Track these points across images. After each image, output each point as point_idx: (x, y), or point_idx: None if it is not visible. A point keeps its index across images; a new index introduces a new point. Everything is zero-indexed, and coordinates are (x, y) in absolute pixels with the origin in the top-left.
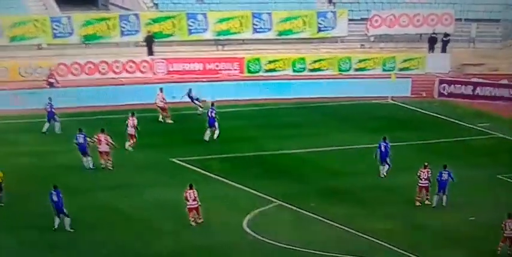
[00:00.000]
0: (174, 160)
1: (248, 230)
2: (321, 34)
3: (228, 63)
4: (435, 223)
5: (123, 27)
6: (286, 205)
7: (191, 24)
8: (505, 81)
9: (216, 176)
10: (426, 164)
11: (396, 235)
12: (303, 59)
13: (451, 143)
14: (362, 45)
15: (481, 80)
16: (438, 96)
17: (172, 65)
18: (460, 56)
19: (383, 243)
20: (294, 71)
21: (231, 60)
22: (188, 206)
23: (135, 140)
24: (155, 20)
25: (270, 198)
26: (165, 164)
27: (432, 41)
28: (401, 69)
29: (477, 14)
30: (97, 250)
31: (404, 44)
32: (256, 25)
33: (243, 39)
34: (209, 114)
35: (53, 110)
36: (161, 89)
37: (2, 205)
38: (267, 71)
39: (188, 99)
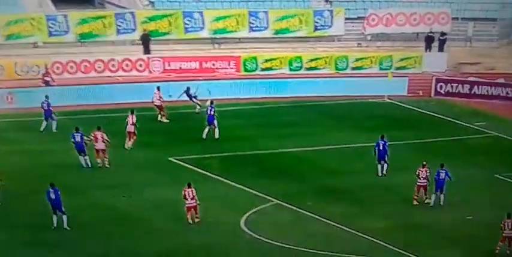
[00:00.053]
0: (171, 158)
1: (245, 229)
2: (318, 33)
3: (225, 62)
4: (432, 222)
5: (119, 26)
6: (284, 203)
7: (187, 22)
8: (501, 80)
9: (214, 175)
10: (425, 163)
11: (393, 234)
12: (299, 57)
13: (447, 142)
14: (359, 44)
15: (477, 79)
16: (435, 95)
17: (168, 64)
18: (456, 55)
19: (380, 242)
20: (291, 69)
21: (228, 59)
22: (186, 205)
23: (135, 137)
24: (151, 19)
25: (267, 197)
26: (162, 163)
27: (429, 40)
28: (398, 68)
29: (474, 13)
30: (95, 249)
31: (401, 43)
32: (252, 24)
33: (240, 38)
34: (208, 112)
35: (50, 108)
36: (158, 88)
37: (0, 204)
38: (263, 69)
39: (186, 98)
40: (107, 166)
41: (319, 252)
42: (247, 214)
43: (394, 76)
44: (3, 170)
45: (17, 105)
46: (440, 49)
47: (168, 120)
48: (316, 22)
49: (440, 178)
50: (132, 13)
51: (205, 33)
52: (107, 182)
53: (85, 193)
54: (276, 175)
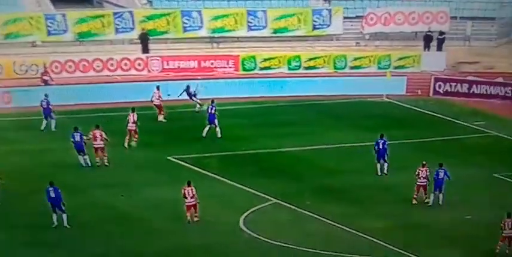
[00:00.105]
0: (170, 158)
1: (244, 228)
2: (316, 32)
3: (223, 61)
4: (431, 221)
5: (118, 25)
6: (282, 203)
7: (186, 21)
8: (500, 80)
9: (212, 175)
10: (424, 162)
11: (392, 233)
12: (298, 56)
13: (446, 142)
14: (357, 43)
15: (476, 78)
16: (433, 94)
17: (167, 63)
18: (455, 54)
19: (379, 242)
20: (289, 68)
21: (226, 58)
22: (186, 204)
23: (137, 136)
24: (149, 18)
25: (266, 196)
26: (161, 163)
27: (427, 39)
28: (396, 68)
29: (472, 12)
30: (95, 249)
31: (400, 42)
32: (251, 23)
33: (238, 37)
34: (209, 111)
35: (50, 106)
36: (158, 87)
37: None
38: (262, 68)
39: (187, 97)
40: (106, 164)
41: (318, 252)
42: (246, 214)
43: (392, 75)
44: (2, 170)
45: (15, 104)
46: (439, 48)
47: (165, 120)
48: (315, 21)
49: (439, 177)
50: (130, 12)
51: (203, 32)
52: (106, 181)
53: (85, 192)
54: (274, 174)
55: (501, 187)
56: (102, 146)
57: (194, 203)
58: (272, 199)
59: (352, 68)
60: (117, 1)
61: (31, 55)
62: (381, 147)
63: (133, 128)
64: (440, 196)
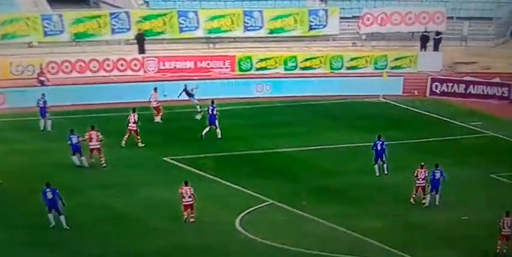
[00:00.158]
0: (167, 158)
1: (240, 229)
2: (313, 32)
3: (220, 61)
4: (428, 222)
5: (114, 25)
6: (279, 204)
7: (182, 22)
8: (497, 80)
9: (209, 175)
10: (423, 164)
11: (388, 234)
12: (294, 57)
13: (443, 142)
14: (354, 43)
15: (473, 79)
16: (430, 94)
17: (163, 63)
18: (452, 54)
19: (375, 242)
20: (286, 69)
21: (222, 59)
22: (184, 203)
23: (138, 137)
24: (146, 18)
25: (262, 197)
26: (157, 163)
27: (424, 39)
28: (393, 68)
29: (469, 12)
30: (92, 249)
31: (396, 42)
32: (247, 23)
33: (234, 37)
34: (209, 112)
35: (46, 105)
36: (155, 89)
37: None
38: (258, 69)
39: (186, 97)
40: (103, 165)
41: (314, 252)
42: (243, 214)
43: (389, 76)
44: (0, 170)
45: (11, 105)
46: (436, 48)
47: (161, 121)
48: (311, 21)
49: (436, 178)
50: (126, 13)
51: (200, 33)
52: (103, 182)
53: (82, 193)
54: (271, 175)
55: (498, 187)
56: (98, 146)
57: (191, 202)
58: (268, 199)
59: (348, 68)
60: (114, 1)
61: (27, 56)
62: (379, 148)
63: (134, 128)
64: (437, 196)
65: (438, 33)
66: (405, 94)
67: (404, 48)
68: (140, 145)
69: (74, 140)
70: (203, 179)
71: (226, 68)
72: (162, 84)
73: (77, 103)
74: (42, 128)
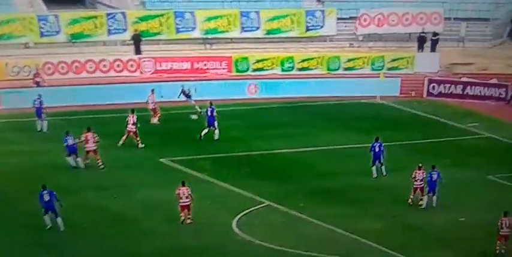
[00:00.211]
0: (163, 160)
1: (237, 230)
2: (310, 33)
3: (216, 62)
4: (425, 223)
5: (110, 26)
6: (276, 205)
7: (179, 22)
8: (494, 81)
9: (205, 177)
10: (421, 165)
11: (386, 235)
12: (291, 58)
13: (440, 143)
14: (351, 44)
15: (470, 80)
16: (427, 95)
17: (160, 64)
18: (449, 55)
19: (373, 244)
20: (283, 70)
21: (219, 59)
22: (181, 204)
23: (138, 138)
24: (142, 19)
25: (259, 198)
26: (154, 165)
27: (421, 40)
28: (390, 69)
29: (466, 13)
30: (89, 250)
31: (393, 43)
32: (244, 24)
33: (231, 38)
34: (208, 113)
35: (42, 106)
36: (152, 91)
37: None
38: (255, 70)
39: (185, 98)
40: (101, 167)
41: (312, 254)
42: (240, 216)
43: (386, 77)
44: None
45: (7, 106)
46: (433, 49)
47: (158, 122)
48: (308, 22)
49: (433, 179)
50: (123, 13)
51: (196, 34)
52: (100, 183)
53: (79, 194)
54: (268, 176)
55: (495, 188)
56: (95, 148)
57: (189, 203)
58: (265, 201)
59: (345, 69)
60: (110, 2)
61: (24, 57)
62: (377, 150)
63: (133, 129)
64: (434, 198)
65: (435, 34)
66: (402, 95)
67: (401, 49)
68: (140, 145)
69: (70, 141)
70: (200, 181)
71: (223, 69)
72: (159, 85)
73: (73, 104)
74: (39, 129)
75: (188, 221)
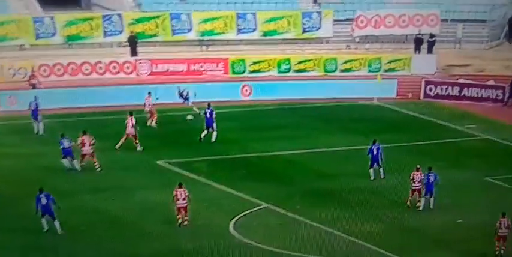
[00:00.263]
0: (160, 162)
1: (234, 232)
2: (306, 35)
3: (213, 64)
4: (423, 225)
5: (106, 28)
6: (273, 207)
7: (175, 24)
8: (491, 82)
9: (202, 179)
10: (419, 166)
11: (384, 237)
12: (288, 59)
13: (437, 145)
14: (347, 46)
15: (467, 81)
16: (424, 97)
17: (156, 66)
18: (446, 57)
19: (370, 246)
20: (279, 72)
21: (216, 61)
22: (178, 205)
23: (137, 141)
24: (138, 20)
25: (256, 200)
26: (151, 167)
27: (418, 41)
28: (387, 71)
29: (463, 15)
30: (86, 253)
31: (390, 45)
32: (240, 25)
33: (228, 40)
34: (207, 115)
35: (38, 109)
36: (149, 93)
37: None
38: (251, 71)
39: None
40: (98, 169)
41: (309, 256)
42: (237, 218)
43: (383, 78)
44: None
45: (3, 108)
46: (430, 51)
47: (156, 125)
48: (305, 24)
49: (430, 181)
50: (119, 15)
51: (192, 35)
52: (97, 185)
53: (76, 196)
54: (265, 178)
55: (493, 190)
56: (91, 152)
57: (186, 205)
58: (263, 203)
59: (342, 71)
60: (106, 4)
61: (19, 58)
62: (375, 153)
63: (133, 132)
64: (432, 199)
65: (432, 35)
66: (399, 97)
67: (398, 50)
68: (139, 148)
69: (66, 144)
70: (197, 183)
71: (220, 70)
72: (155, 87)
73: (69, 106)
74: (36, 131)
75: (185, 223)
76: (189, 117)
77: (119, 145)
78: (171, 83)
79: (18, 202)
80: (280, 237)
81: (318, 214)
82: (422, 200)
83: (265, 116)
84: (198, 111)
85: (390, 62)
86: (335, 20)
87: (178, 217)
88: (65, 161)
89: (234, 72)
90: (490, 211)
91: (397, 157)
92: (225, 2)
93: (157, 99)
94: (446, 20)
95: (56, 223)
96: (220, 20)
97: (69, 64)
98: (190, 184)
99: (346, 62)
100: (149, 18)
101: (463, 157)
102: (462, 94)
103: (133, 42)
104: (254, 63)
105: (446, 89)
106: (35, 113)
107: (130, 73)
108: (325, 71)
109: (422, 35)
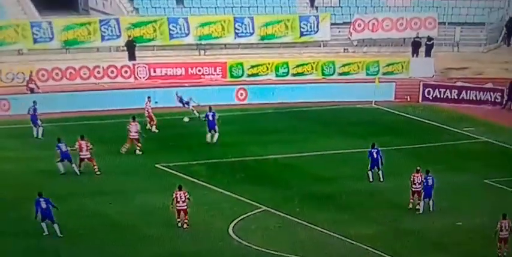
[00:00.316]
0: (159, 165)
1: (234, 235)
2: (304, 38)
3: (211, 68)
4: (422, 228)
5: (104, 32)
6: (272, 210)
7: (172, 28)
8: (490, 85)
9: (201, 182)
10: (419, 168)
11: (382, 240)
12: (285, 63)
13: (436, 148)
14: (345, 49)
15: (465, 84)
16: (422, 100)
17: (154, 70)
18: (444, 60)
19: (369, 248)
20: (277, 75)
21: (214, 65)
22: (178, 208)
23: (140, 144)
24: (136, 25)
25: (255, 203)
26: (150, 170)
27: (416, 45)
28: (385, 74)
29: (460, 18)
30: (85, 256)
31: (388, 48)
32: (238, 29)
33: (225, 44)
34: (210, 118)
35: (36, 113)
36: (149, 98)
37: None
38: (249, 75)
39: (186, 105)
40: (97, 173)
41: None
42: (236, 221)
43: (381, 81)
44: None
45: (1, 112)
46: (428, 54)
47: (157, 130)
48: (302, 28)
49: (428, 184)
50: (116, 19)
51: (190, 40)
52: (96, 189)
53: (75, 200)
54: (263, 181)
55: (492, 192)
56: (89, 156)
57: (185, 207)
58: (261, 206)
59: (340, 74)
60: (103, 8)
61: (18, 63)
62: (375, 156)
63: (136, 136)
64: (431, 202)
65: (430, 38)
66: (397, 100)
67: (396, 54)
68: (138, 152)
69: (63, 148)
70: (196, 186)
71: (218, 74)
72: (153, 91)
73: (68, 110)
74: (35, 135)
75: (185, 226)
76: (186, 119)
77: (124, 150)
78: (169, 87)
79: (20, 205)
80: (279, 240)
81: (317, 217)
82: (422, 203)
83: (263, 120)
84: (197, 114)
85: (388, 65)
86: (332, 24)
87: (177, 219)
88: (60, 165)
89: (232, 76)
90: (489, 214)
91: (395, 160)
92: (222, 6)
93: (156, 103)
94: (444, 23)
95: (56, 226)
96: (217, 24)
97: (67, 69)
98: (189, 187)
99: (344, 65)
100: (146, 23)
101: (462, 159)
102: (460, 97)
103: (131, 47)
104: (252, 67)
105: (445, 92)
106: (34, 118)
107: (129, 77)
108: (323, 74)
109: (420, 38)
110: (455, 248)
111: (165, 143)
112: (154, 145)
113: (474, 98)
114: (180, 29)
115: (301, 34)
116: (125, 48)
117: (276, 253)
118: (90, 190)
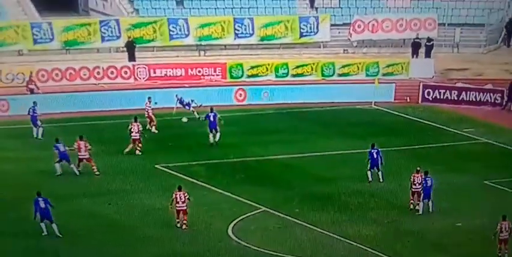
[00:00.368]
0: (158, 166)
1: (233, 236)
2: (304, 39)
3: (210, 69)
4: (421, 229)
5: (104, 33)
6: (271, 211)
7: (172, 29)
8: (489, 86)
9: (201, 183)
10: (419, 169)
11: (382, 241)
12: (285, 64)
13: (436, 149)
14: (345, 50)
15: (465, 85)
16: (422, 101)
17: (154, 71)
18: (444, 61)
19: (369, 249)
20: (277, 76)
21: (213, 66)
22: (177, 208)
23: (140, 145)
24: (136, 26)
25: (254, 204)
26: (150, 171)
27: (415, 46)
28: (384, 75)
29: (460, 19)
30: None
31: (388, 49)
32: (238, 30)
33: (225, 45)
34: (211, 118)
35: (36, 114)
36: (149, 99)
37: None
38: (249, 76)
39: (186, 107)
40: (96, 173)
41: None
42: (235, 222)
43: (380, 82)
44: None
45: (1, 113)
46: (427, 55)
47: (157, 131)
48: (302, 28)
49: (427, 185)
50: (116, 20)
51: (190, 40)
52: (95, 189)
53: (74, 201)
54: (263, 182)
55: (492, 193)
56: (87, 157)
57: (185, 208)
58: (261, 206)
59: (340, 75)
60: (103, 9)
61: (18, 64)
62: (375, 157)
63: (137, 137)
64: (430, 203)
65: (430, 39)
66: (397, 101)
67: (395, 55)
68: (138, 152)
69: (61, 148)
70: (195, 187)
71: (217, 75)
72: (153, 92)
73: (67, 111)
74: (35, 136)
75: (184, 226)
76: (184, 119)
77: (127, 150)
78: (169, 88)
79: (19, 206)
80: (278, 240)
81: (316, 217)
82: (421, 204)
83: (263, 121)
84: (197, 116)
85: (388, 66)
86: (332, 25)
87: (177, 220)
88: (57, 166)
89: (231, 77)
90: (489, 215)
91: (395, 161)
92: (222, 7)
93: (155, 103)
94: (443, 24)
95: (54, 226)
96: (217, 25)
97: (67, 69)
98: (189, 188)
99: (343, 66)
100: (146, 24)
101: (462, 160)
102: (460, 98)
103: (131, 48)
104: (252, 67)
105: (444, 93)
106: (34, 119)
107: (128, 78)
108: (323, 75)
109: (420, 39)
110: (455, 249)
111: (164, 143)
112: (153, 146)
113: (474, 99)
114: (180, 30)
115: (301, 35)
116: (125, 49)
117: (275, 253)
118: (90, 190)
